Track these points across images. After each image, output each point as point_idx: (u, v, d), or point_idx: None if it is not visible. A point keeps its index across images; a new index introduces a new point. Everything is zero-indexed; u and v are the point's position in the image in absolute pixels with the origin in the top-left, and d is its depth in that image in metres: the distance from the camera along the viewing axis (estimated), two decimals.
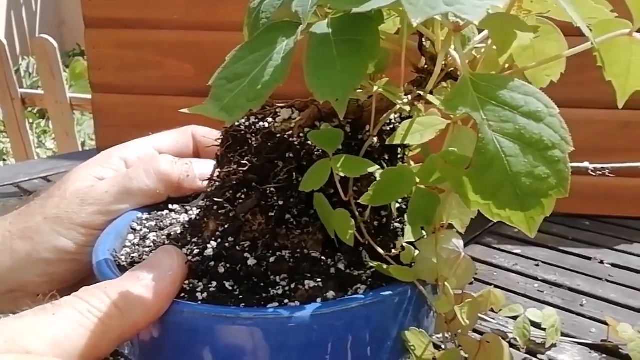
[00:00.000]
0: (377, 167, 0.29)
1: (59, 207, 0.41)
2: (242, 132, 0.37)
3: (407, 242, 0.32)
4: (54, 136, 1.92)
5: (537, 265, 0.72)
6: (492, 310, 0.59)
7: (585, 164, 0.33)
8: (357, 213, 0.32)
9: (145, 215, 0.43)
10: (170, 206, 0.44)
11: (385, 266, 0.31)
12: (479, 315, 0.59)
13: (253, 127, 0.37)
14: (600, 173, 0.32)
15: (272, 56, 0.24)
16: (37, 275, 0.41)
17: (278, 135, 0.36)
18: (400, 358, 0.34)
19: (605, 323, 0.55)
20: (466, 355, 0.32)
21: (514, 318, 0.55)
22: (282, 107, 0.37)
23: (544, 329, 0.54)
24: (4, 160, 2.69)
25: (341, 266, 0.34)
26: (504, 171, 0.23)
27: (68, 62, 3.51)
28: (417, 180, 0.28)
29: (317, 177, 0.29)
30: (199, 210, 0.40)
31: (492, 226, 0.85)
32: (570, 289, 0.66)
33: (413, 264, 0.32)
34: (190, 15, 0.73)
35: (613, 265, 0.72)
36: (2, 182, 0.93)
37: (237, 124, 0.38)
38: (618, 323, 0.53)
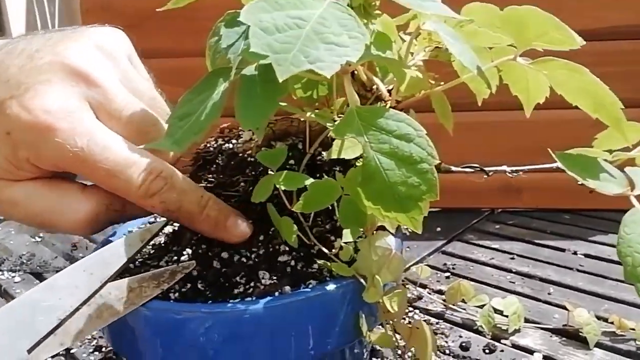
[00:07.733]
0: (311, 179, 0.34)
1: None
2: (211, 153, 0.43)
3: (346, 242, 0.37)
4: None
5: (513, 258, 0.76)
6: (462, 301, 0.64)
7: (504, 167, 0.38)
8: (301, 219, 0.37)
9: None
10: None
11: (329, 263, 0.37)
12: (450, 305, 0.64)
13: (220, 148, 0.43)
14: (516, 174, 0.37)
15: (212, 96, 0.30)
16: None
17: (240, 155, 0.41)
18: (353, 339, 0.39)
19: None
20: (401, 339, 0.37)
21: (481, 307, 0.60)
22: (244, 130, 0.43)
23: (506, 316, 0.58)
24: None
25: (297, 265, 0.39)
26: (384, 181, 0.29)
27: None
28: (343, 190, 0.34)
29: (264, 190, 0.35)
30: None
31: (475, 223, 0.89)
32: (541, 279, 0.70)
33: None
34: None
35: (585, 255, 0.75)
36: None
37: (208, 146, 0.44)
38: (575, 308, 0.57)
